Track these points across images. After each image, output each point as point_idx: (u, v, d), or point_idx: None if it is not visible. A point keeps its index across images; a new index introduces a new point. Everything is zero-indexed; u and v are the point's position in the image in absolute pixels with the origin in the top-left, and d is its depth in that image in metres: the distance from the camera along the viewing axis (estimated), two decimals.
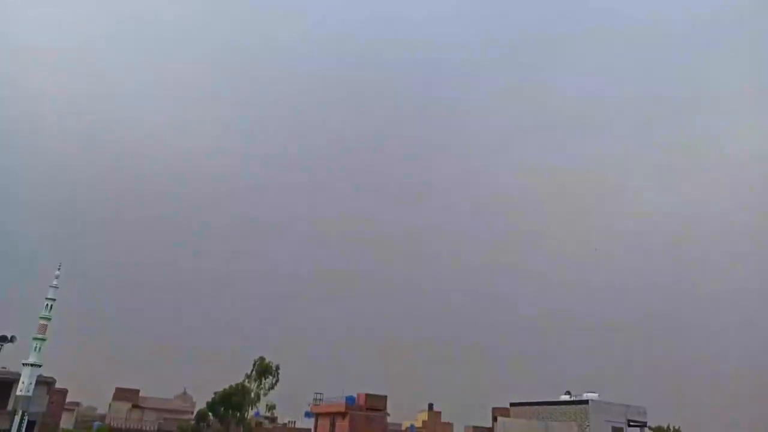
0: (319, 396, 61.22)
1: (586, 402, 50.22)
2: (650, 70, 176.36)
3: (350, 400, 56.25)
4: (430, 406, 76.21)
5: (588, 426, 48.50)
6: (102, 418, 71.95)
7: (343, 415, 54.98)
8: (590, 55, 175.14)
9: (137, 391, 71.39)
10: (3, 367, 48.60)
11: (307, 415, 63.19)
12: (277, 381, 61.11)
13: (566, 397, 53.08)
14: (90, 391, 77.14)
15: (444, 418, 74.15)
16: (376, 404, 57.04)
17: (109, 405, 71.21)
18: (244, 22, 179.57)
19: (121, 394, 70.20)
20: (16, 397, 40.85)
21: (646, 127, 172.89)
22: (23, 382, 40.79)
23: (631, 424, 52.19)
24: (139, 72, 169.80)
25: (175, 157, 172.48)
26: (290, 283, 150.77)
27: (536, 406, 53.36)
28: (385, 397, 58.51)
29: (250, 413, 63.72)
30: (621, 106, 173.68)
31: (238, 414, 59.48)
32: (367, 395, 57.04)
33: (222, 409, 59.17)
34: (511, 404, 57.16)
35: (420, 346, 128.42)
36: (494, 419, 59.62)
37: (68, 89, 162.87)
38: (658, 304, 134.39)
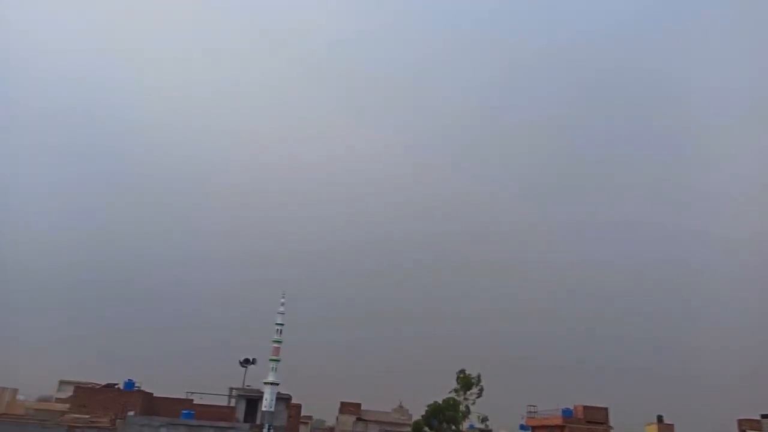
0: (532, 408, 59.51)
1: None
2: None
3: (566, 412, 53.68)
4: (660, 417, 68.69)
5: None
6: (331, 430, 78.78)
7: (560, 428, 52.68)
8: None
9: (359, 405, 76.65)
10: (248, 386, 56.13)
11: (522, 428, 61.72)
12: (482, 390, 61.15)
13: None
14: (318, 405, 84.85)
15: None
16: (596, 416, 53.52)
17: (337, 418, 77.55)
18: None
19: (345, 407, 76.00)
20: (262, 412, 46.79)
21: None
22: (266, 399, 46.53)
23: None
24: None
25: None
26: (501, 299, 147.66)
27: None
28: (606, 408, 54.62)
29: (465, 426, 64.32)
30: None
31: (453, 427, 60.42)
32: (585, 407, 53.88)
33: (437, 422, 60.68)
34: (762, 416, 49.53)
35: (648, 349, 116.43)
36: None
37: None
38: None
